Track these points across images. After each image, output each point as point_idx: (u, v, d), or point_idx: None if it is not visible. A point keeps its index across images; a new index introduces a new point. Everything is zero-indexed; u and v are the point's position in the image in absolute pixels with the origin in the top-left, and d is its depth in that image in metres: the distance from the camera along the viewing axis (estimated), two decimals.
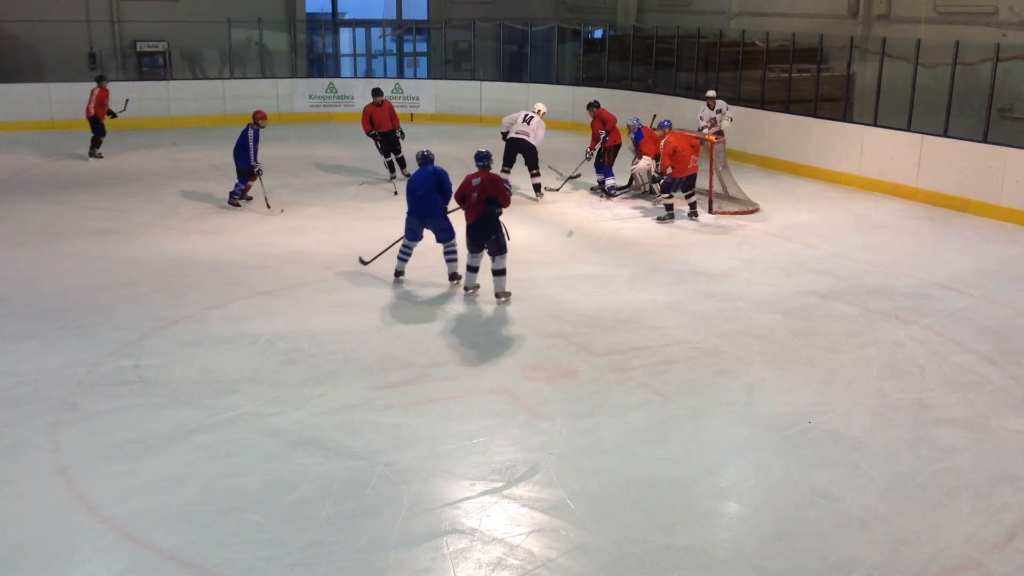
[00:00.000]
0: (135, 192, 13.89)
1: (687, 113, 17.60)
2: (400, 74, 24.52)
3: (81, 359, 7.59)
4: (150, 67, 22.72)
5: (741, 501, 5.76)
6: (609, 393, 7.15)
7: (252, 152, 12.56)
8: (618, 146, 14.03)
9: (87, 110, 16.32)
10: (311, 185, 14.55)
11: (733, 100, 17.64)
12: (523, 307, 9.05)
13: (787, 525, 5.46)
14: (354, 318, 8.68)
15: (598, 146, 13.90)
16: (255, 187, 12.96)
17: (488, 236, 9.11)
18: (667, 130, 12.68)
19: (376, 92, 14.88)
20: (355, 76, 23.93)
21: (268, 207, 12.65)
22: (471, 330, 8.47)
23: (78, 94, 19.73)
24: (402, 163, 14.83)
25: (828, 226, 12.48)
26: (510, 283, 9.22)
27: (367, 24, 25.24)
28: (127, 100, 16.60)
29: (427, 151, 9.69)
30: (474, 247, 9.26)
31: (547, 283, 9.67)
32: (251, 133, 12.60)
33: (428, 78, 23.94)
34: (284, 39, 23.97)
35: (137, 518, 5.38)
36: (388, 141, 14.74)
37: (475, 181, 9.07)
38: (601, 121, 14.02)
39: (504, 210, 9.13)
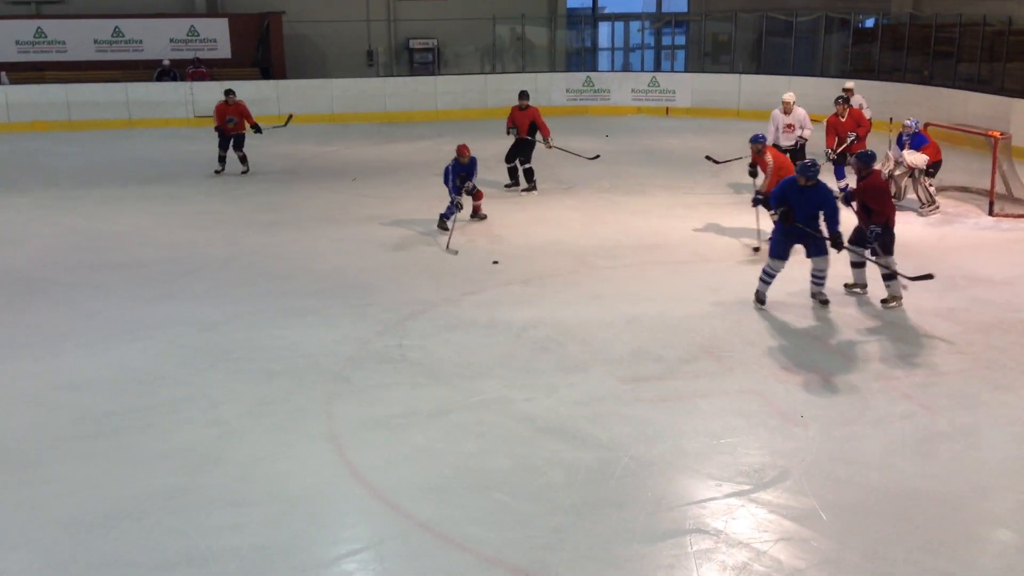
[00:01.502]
0: (401, 181, 14.73)
1: (970, 107, 16.34)
2: (657, 67, 24.41)
3: (352, 336, 8.17)
4: (420, 63, 24.01)
5: (1017, 529, 5.28)
6: (869, 402, 6.78)
7: (450, 185, 11.43)
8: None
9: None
10: (566, 177, 14.78)
11: (1023, 93, 16.15)
12: (778, 308, 8.75)
13: None
14: (606, 310, 8.75)
15: (842, 148, 12.44)
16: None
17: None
18: (763, 145, 10.74)
19: (522, 95, 13.71)
20: (612, 70, 24.10)
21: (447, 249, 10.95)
22: (723, 328, 8.29)
23: (358, 89, 21.28)
24: (528, 175, 13.69)
25: None
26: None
27: (626, 18, 25.33)
28: (290, 115, 16.23)
29: (811, 160, 8.79)
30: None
31: (804, 282, 9.28)
32: (449, 167, 11.56)
33: (685, 71, 23.67)
34: (544, 34, 24.55)
35: (397, 488, 5.72)
36: (519, 147, 13.62)
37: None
38: (855, 121, 12.73)
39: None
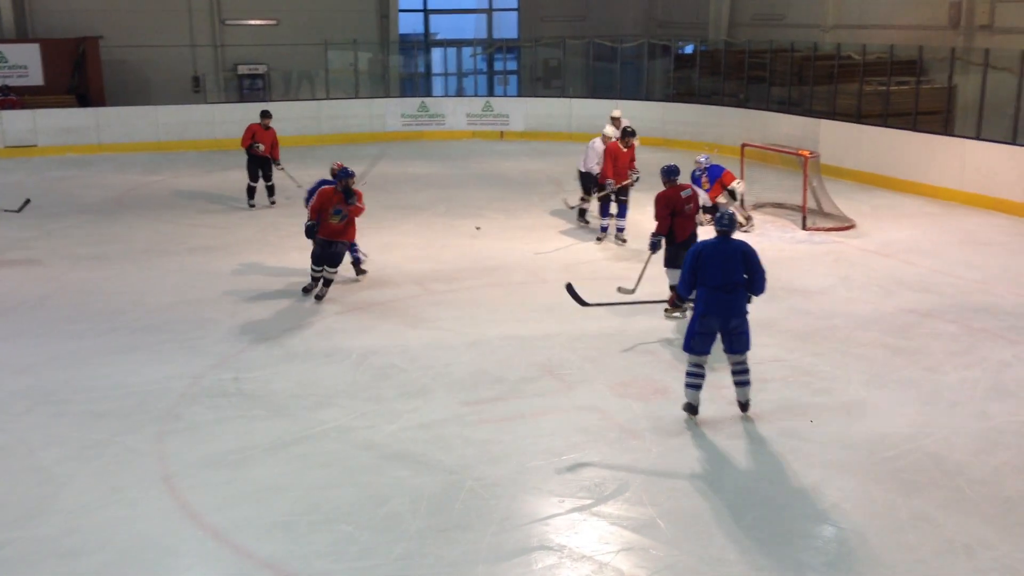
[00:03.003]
0: (237, 210, 14.34)
1: (783, 128, 17.37)
2: (490, 92, 24.77)
3: (185, 372, 7.86)
4: (250, 89, 23.48)
5: (839, 524, 5.62)
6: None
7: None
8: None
9: None
10: (403, 202, 14.80)
11: (828, 114, 17.33)
12: (612, 324, 9.02)
13: (887, 550, 5.30)
14: (446, 333, 8.78)
15: (624, 184, 11.88)
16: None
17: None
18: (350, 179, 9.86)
19: (265, 114, 14.50)
20: (446, 95, 24.30)
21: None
22: (562, 347, 8.47)
23: (184, 116, 20.55)
24: (271, 191, 14.50)
25: (929, 242, 12.12)
26: (587, 298, 9.05)
27: (458, 44, 25.61)
28: (27, 200, 13.24)
29: (725, 211, 6.99)
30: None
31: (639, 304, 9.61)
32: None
33: (518, 96, 24.15)
34: (378, 60, 24.51)
35: (237, 526, 5.54)
36: (262, 166, 14.34)
37: (684, 193, 9.09)
38: (632, 155, 12.00)
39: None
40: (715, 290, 6.68)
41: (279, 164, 14.44)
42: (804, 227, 12.76)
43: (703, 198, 12.43)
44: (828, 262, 11.28)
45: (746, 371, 6.90)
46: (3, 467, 6.26)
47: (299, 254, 11.46)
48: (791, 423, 6.88)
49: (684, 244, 8.95)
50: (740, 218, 12.78)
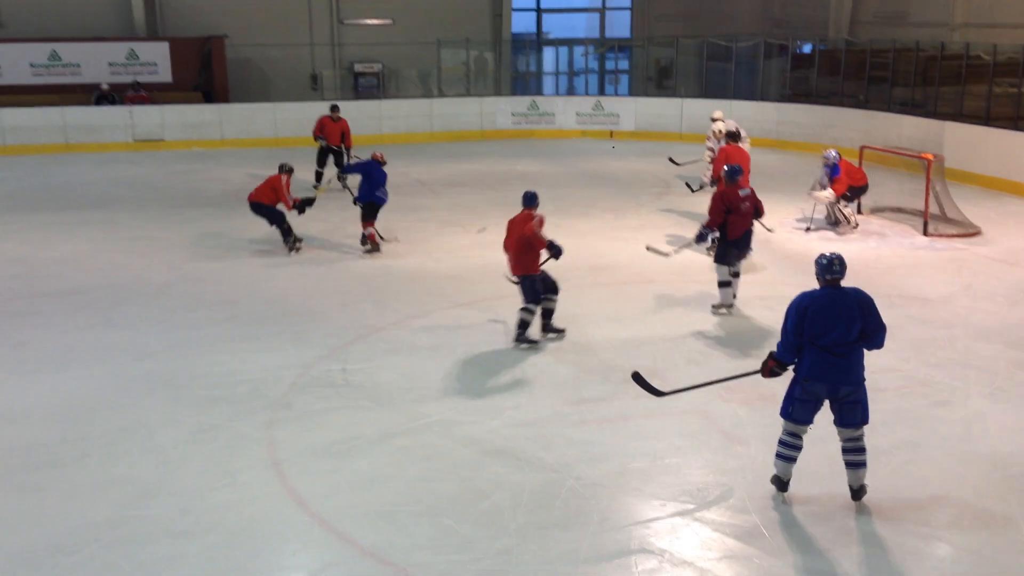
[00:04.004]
0: (349, 205, 14.61)
1: (905, 130, 16.76)
2: (601, 91, 24.66)
3: (295, 361, 8.07)
4: (365, 87, 23.97)
5: (955, 543, 5.38)
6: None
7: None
8: None
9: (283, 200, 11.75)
10: (511, 199, 14.76)
11: (954, 116, 16.62)
12: (720, 327, 8.86)
13: (1006, 571, 5.05)
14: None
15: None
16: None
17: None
18: None
19: (334, 108, 15.86)
20: (556, 94, 24.30)
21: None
22: (666, 348, 8.36)
23: (302, 114, 21.08)
24: (341, 177, 15.05)
25: None
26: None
27: (570, 43, 25.57)
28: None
29: (832, 255, 5.87)
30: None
31: (744, 303, 9.41)
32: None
33: (629, 95, 23.96)
34: (490, 59, 24.71)
35: (341, 515, 5.65)
36: (332, 154, 15.66)
37: (743, 192, 9.15)
38: (746, 158, 11.80)
39: None
40: (823, 351, 5.49)
41: (350, 152, 15.69)
42: (926, 233, 12.27)
43: (827, 193, 12.21)
44: (950, 270, 10.82)
45: (861, 450, 5.57)
46: (123, 448, 6.55)
47: (403, 248, 11.65)
48: (906, 434, 6.62)
49: (735, 242, 9.11)
50: (839, 217, 12.41)
